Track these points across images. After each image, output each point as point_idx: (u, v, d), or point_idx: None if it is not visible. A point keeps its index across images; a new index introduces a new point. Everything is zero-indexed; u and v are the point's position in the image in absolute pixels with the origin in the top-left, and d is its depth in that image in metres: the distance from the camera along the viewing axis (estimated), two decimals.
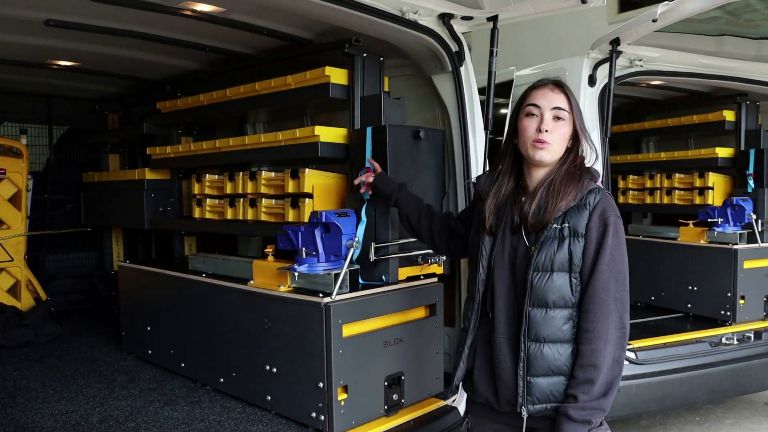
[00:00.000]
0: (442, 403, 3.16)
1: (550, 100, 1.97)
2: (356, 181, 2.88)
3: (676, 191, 5.45)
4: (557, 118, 1.96)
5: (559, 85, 1.99)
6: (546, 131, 1.94)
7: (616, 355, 1.86)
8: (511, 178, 2.07)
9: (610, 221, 1.89)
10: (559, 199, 1.91)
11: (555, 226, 1.91)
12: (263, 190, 3.52)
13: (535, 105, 1.97)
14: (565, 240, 1.90)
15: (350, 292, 2.83)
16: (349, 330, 2.78)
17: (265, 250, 3.22)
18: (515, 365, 1.94)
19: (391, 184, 2.74)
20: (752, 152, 4.85)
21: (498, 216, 2.04)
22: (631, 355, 3.90)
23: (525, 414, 1.92)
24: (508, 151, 2.08)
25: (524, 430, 1.94)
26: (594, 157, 2.03)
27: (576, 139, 2.00)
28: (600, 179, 2.03)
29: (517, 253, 1.98)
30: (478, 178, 2.21)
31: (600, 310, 1.86)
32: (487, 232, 2.04)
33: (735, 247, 4.59)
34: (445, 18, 3.23)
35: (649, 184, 5.71)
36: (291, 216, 3.31)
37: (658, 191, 5.61)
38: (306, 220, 3.05)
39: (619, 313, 1.87)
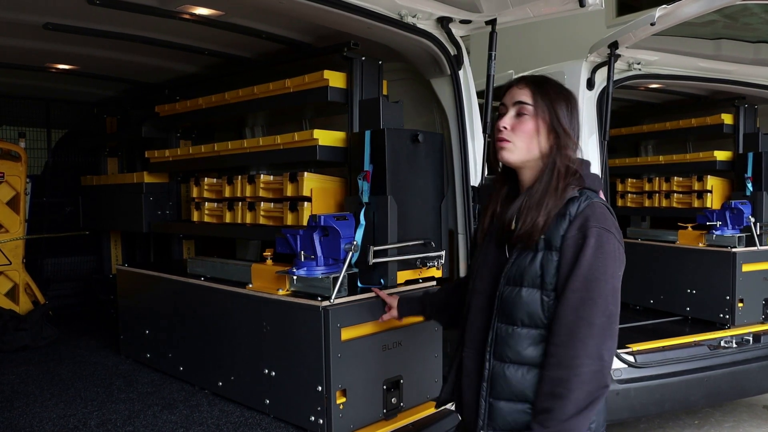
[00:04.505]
0: None
1: (513, 95, 1.80)
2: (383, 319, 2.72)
3: (675, 194, 5.46)
4: (519, 114, 1.77)
5: (527, 81, 1.81)
6: (504, 128, 1.77)
7: (591, 389, 1.58)
8: (504, 184, 1.90)
9: (592, 233, 1.63)
10: (537, 215, 1.69)
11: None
12: (262, 193, 3.52)
13: (502, 104, 1.83)
14: (539, 253, 1.70)
15: (349, 295, 2.83)
16: (348, 333, 2.77)
17: (264, 254, 3.22)
18: (478, 384, 1.78)
19: (413, 306, 2.54)
20: (750, 155, 4.85)
21: (492, 224, 1.90)
22: (630, 358, 3.90)
23: None
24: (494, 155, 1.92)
25: None
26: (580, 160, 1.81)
27: (557, 139, 1.75)
28: (599, 188, 1.82)
29: (499, 263, 1.81)
30: (481, 185, 2.09)
31: (567, 335, 1.61)
32: (479, 241, 1.92)
33: (733, 250, 4.59)
34: (444, 22, 3.24)
35: (647, 187, 5.72)
36: (290, 219, 3.31)
37: (657, 194, 5.62)
38: (305, 223, 3.05)
39: (595, 340, 1.59)
